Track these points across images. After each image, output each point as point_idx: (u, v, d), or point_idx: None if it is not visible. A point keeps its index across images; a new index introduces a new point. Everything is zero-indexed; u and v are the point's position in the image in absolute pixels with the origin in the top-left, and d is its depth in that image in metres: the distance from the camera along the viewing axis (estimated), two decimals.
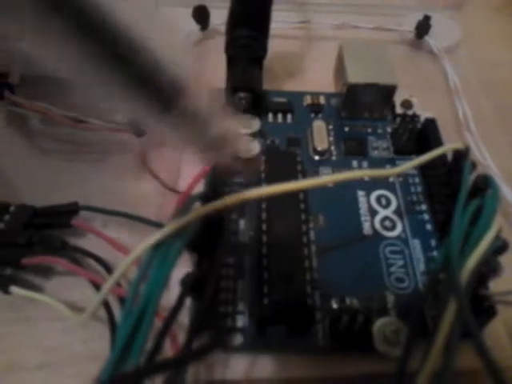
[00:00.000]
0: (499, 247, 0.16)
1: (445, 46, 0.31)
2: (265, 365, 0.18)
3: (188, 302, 0.17)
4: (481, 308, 0.17)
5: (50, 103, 0.24)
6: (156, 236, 0.14)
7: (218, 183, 0.19)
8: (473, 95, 0.28)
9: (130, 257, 0.14)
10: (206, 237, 0.15)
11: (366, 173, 0.19)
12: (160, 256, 0.14)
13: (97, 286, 0.19)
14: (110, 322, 0.18)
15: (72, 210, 0.21)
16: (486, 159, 0.25)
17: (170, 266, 0.14)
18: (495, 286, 0.17)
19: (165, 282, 0.14)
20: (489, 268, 0.16)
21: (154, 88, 0.09)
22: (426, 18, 0.31)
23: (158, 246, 0.14)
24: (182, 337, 0.15)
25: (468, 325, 0.13)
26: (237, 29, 0.24)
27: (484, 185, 0.17)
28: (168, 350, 0.16)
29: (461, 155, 0.19)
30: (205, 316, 0.15)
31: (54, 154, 0.24)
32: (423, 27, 0.31)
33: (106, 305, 0.19)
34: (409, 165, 0.19)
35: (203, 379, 0.17)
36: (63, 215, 0.21)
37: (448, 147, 0.20)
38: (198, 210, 0.14)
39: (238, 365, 0.17)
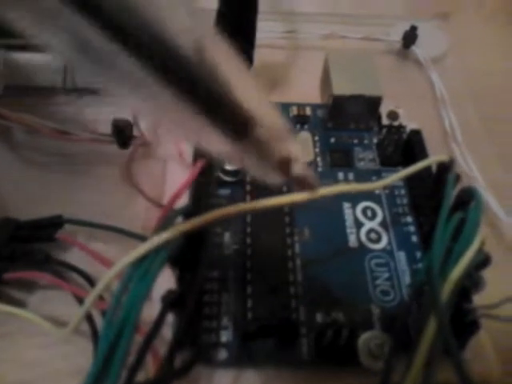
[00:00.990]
0: (482, 261, 0.16)
1: (432, 55, 0.31)
2: (250, 380, 0.17)
3: (170, 317, 0.17)
4: (464, 322, 0.17)
5: (35, 114, 0.24)
6: (139, 250, 0.14)
7: (202, 195, 0.18)
8: (459, 105, 0.28)
9: (112, 270, 0.14)
10: (188, 252, 0.15)
11: (352, 187, 0.19)
12: (142, 270, 0.14)
13: (80, 300, 0.19)
14: (93, 336, 0.18)
15: (56, 223, 0.21)
16: (472, 170, 0.25)
17: (151, 280, 0.14)
18: (480, 299, 0.17)
19: (145, 295, 0.14)
20: (471, 282, 0.16)
21: (228, 118, 0.09)
22: (413, 29, 0.31)
23: (139, 260, 0.14)
24: (164, 352, 0.15)
25: (447, 343, 0.13)
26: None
27: (467, 197, 0.17)
28: (150, 365, 0.16)
29: (445, 167, 0.19)
30: (187, 331, 0.15)
31: (38, 166, 0.24)
32: (410, 37, 0.31)
33: (89, 319, 0.18)
34: (393, 177, 0.19)
35: None
36: (47, 228, 0.21)
37: (432, 159, 0.20)
38: (179, 225, 0.14)
39: (222, 380, 0.17)
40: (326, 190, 0.17)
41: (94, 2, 0.08)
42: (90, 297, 0.15)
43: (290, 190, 0.21)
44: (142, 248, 0.14)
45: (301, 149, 0.11)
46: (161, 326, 0.14)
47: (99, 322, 0.18)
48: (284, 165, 0.11)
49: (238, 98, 0.09)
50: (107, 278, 0.15)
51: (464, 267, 0.15)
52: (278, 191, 0.20)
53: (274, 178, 0.12)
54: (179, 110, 0.09)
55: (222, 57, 0.10)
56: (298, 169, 0.11)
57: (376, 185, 0.19)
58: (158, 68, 0.09)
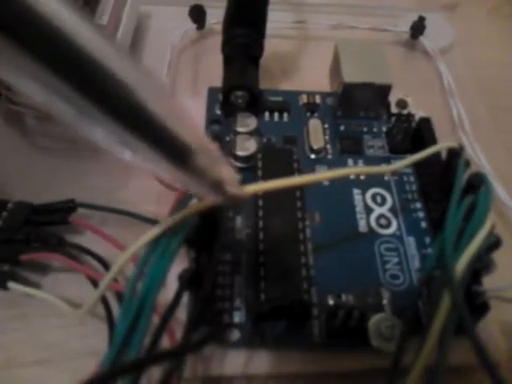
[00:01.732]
0: (493, 243, 0.16)
1: (439, 46, 0.31)
2: (261, 360, 0.18)
3: (185, 299, 0.17)
4: (474, 304, 0.17)
5: None
6: (153, 232, 0.14)
7: None
8: (467, 95, 0.29)
9: (127, 253, 0.15)
10: (204, 232, 0.15)
11: (362, 169, 0.19)
12: (158, 252, 0.14)
13: (94, 283, 0.19)
14: (108, 318, 0.19)
15: (69, 207, 0.21)
16: (479, 159, 0.25)
17: (167, 262, 0.14)
18: (489, 281, 0.17)
19: (163, 278, 0.14)
20: (482, 264, 0.16)
21: (171, 149, 0.11)
22: (421, 19, 0.31)
23: (155, 243, 0.14)
24: (179, 333, 0.15)
25: (462, 319, 0.13)
26: (233, 28, 0.24)
27: (477, 182, 0.17)
28: (166, 346, 0.17)
29: (455, 154, 0.20)
30: (202, 311, 0.15)
31: (51, 152, 0.24)
32: (418, 28, 0.31)
33: (103, 301, 0.19)
34: (404, 162, 0.19)
35: (201, 374, 0.17)
36: (61, 212, 0.21)
37: (442, 145, 0.20)
38: (194, 205, 0.14)
39: (234, 360, 0.18)
40: (336, 172, 0.17)
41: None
42: (105, 279, 0.15)
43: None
44: (156, 230, 0.14)
45: (232, 171, 0.13)
46: (177, 305, 0.14)
47: (114, 303, 0.19)
48: (219, 186, 0.13)
49: (179, 134, 0.11)
50: (122, 260, 0.15)
51: (475, 249, 0.15)
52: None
53: (212, 198, 0.14)
54: (134, 147, 0.11)
55: (159, 100, 0.11)
56: (231, 189, 0.13)
57: (386, 168, 0.20)
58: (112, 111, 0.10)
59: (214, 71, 0.25)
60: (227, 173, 0.13)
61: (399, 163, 0.19)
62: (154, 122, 0.10)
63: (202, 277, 0.15)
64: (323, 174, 0.16)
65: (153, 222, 0.20)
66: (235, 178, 0.13)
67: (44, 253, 0.20)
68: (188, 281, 0.14)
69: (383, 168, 0.19)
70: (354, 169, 0.18)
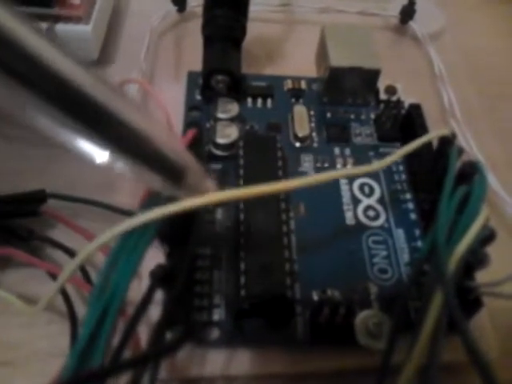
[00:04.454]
0: (487, 236, 0.15)
1: (430, 31, 0.30)
2: (243, 360, 0.17)
3: (161, 295, 0.16)
4: (467, 300, 0.16)
5: None
6: (122, 226, 0.13)
7: None
8: (458, 82, 0.28)
9: (92, 244, 0.13)
10: (177, 227, 0.14)
11: (350, 172, 0.18)
12: (129, 245, 0.13)
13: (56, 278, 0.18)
14: (69, 314, 0.17)
15: (39, 197, 0.20)
16: (471, 147, 0.24)
17: (139, 255, 0.13)
18: (482, 276, 0.16)
19: (133, 272, 0.13)
20: (476, 258, 0.15)
21: (164, 170, 0.13)
22: (411, 3, 0.30)
23: (127, 235, 0.13)
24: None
25: (454, 316, 0.12)
26: (214, 8, 0.22)
27: (471, 170, 0.17)
28: (136, 345, 0.16)
29: (447, 142, 0.19)
30: (176, 308, 0.14)
31: (19, 140, 0.23)
32: (408, 12, 0.30)
33: (65, 297, 0.18)
34: (394, 157, 0.18)
35: (178, 376, 0.16)
36: (30, 203, 0.20)
37: (434, 134, 0.19)
38: (164, 208, 0.13)
39: (214, 360, 0.17)
40: (322, 176, 0.16)
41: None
42: (65, 272, 0.14)
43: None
44: (127, 223, 0.13)
45: (214, 183, 0.15)
46: (149, 303, 0.13)
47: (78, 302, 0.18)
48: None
49: (170, 155, 0.13)
50: (86, 251, 0.13)
51: (470, 241, 0.14)
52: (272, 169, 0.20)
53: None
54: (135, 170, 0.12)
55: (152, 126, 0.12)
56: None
57: (376, 166, 0.18)
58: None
59: (195, 56, 0.24)
60: (210, 186, 0.15)
61: (388, 158, 0.18)
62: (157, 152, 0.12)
63: (175, 273, 0.14)
64: (308, 179, 0.15)
65: (128, 213, 0.19)
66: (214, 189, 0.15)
67: (4, 248, 0.18)
68: (160, 278, 0.13)
69: (372, 166, 0.18)
70: (341, 172, 0.16)
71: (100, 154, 0.11)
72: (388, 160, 0.18)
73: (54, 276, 0.18)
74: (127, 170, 0.12)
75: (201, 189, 0.14)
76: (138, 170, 0.12)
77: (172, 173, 0.13)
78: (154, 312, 0.14)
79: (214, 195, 0.13)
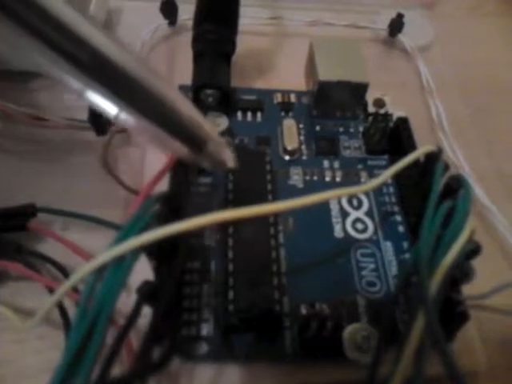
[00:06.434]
0: (472, 250, 0.15)
1: (418, 44, 0.31)
2: (231, 374, 0.17)
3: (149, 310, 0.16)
4: (453, 313, 0.16)
5: (8, 99, 0.23)
6: (117, 249, 0.13)
7: (181, 183, 0.18)
8: (446, 94, 0.28)
9: (89, 264, 0.13)
10: (165, 242, 0.14)
11: (342, 192, 0.18)
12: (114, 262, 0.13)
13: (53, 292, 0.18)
14: (65, 330, 0.17)
15: (29, 212, 0.20)
16: (459, 160, 0.24)
17: (126, 269, 0.13)
18: (467, 290, 0.17)
19: (121, 285, 0.13)
20: (461, 272, 0.15)
21: (190, 139, 0.14)
22: (400, 16, 0.30)
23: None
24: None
25: (434, 336, 0.12)
26: (204, 23, 0.23)
27: (456, 185, 0.17)
28: (125, 360, 0.16)
29: (433, 156, 0.19)
30: (163, 324, 0.14)
31: (12, 153, 0.23)
32: (396, 25, 0.31)
33: (62, 312, 0.18)
34: (382, 178, 0.18)
35: None
36: (19, 217, 0.20)
37: (420, 152, 0.19)
38: (153, 232, 0.13)
39: (203, 375, 0.17)
40: (314, 198, 0.16)
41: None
42: (61, 288, 0.14)
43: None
44: (123, 246, 0.13)
45: (232, 154, 0.16)
46: (136, 319, 0.13)
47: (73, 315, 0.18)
48: (222, 163, 0.16)
49: (194, 124, 0.14)
50: (83, 271, 0.13)
51: (454, 256, 0.14)
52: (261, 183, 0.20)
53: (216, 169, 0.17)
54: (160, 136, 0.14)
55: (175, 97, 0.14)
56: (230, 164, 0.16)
57: (367, 186, 0.18)
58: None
59: (186, 69, 0.24)
60: (227, 154, 0.16)
61: (377, 180, 0.18)
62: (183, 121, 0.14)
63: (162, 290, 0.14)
64: (297, 202, 0.15)
65: (119, 227, 0.19)
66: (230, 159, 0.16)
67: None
68: (147, 294, 0.13)
69: (362, 187, 0.18)
70: (332, 192, 0.16)
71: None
72: (375, 182, 0.18)
73: (49, 289, 0.18)
74: (154, 138, 0.14)
75: (220, 157, 0.16)
76: (165, 137, 0.14)
77: (195, 140, 0.15)
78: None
79: (199, 219, 0.13)
